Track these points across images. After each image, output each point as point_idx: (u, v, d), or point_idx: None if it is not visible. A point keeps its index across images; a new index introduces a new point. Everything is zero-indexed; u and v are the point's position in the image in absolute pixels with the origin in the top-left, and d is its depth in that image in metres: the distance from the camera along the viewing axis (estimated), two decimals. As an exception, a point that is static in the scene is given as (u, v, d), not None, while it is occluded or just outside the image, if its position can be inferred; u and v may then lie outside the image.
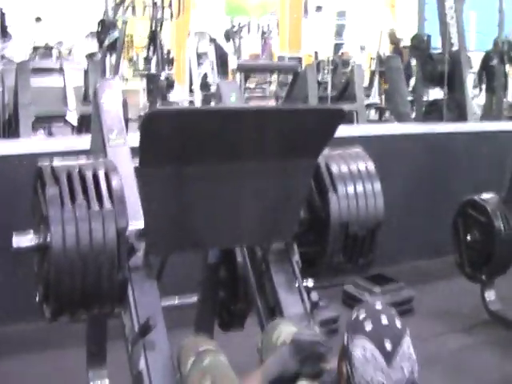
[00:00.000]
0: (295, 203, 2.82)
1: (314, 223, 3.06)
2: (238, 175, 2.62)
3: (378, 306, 1.90)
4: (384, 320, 1.84)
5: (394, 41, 14.04)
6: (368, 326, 1.82)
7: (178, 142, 2.40)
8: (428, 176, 6.34)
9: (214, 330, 3.57)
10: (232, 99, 3.40)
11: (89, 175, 2.56)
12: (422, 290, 5.46)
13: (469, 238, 5.00)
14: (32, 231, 2.60)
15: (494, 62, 10.96)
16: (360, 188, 3.06)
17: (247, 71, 7.84)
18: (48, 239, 2.47)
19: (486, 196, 4.98)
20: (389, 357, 1.77)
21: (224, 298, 3.49)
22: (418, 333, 4.83)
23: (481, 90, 11.90)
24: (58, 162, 2.61)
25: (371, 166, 3.14)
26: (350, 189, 3.03)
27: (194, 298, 3.65)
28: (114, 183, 2.59)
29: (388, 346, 1.78)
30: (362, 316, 1.86)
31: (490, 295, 5.11)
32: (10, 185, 4.48)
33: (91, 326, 3.57)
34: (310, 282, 3.14)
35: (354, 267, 3.15)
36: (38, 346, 4.31)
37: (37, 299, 2.71)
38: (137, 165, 2.63)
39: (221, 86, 3.57)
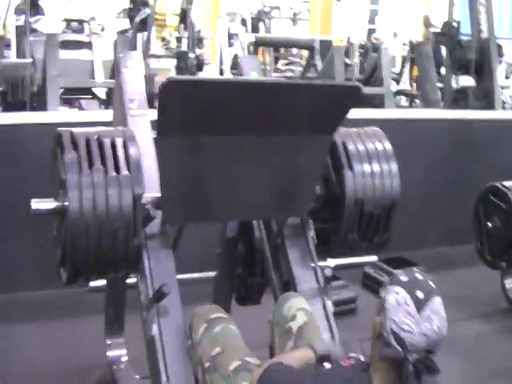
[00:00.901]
0: (311, 179, 2.85)
1: (329, 200, 3.08)
2: (255, 148, 2.64)
3: (416, 269, 2.02)
4: (419, 276, 1.94)
5: (429, 26, 13.95)
6: (403, 278, 1.93)
7: (195, 111, 2.43)
8: (452, 162, 6.35)
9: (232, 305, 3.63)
10: (253, 74, 3.42)
11: (107, 142, 2.61)
12: (443, 275, 5.33)
13: (490, 224, 5.02)
14: (51, 198, 2.67)
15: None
16: (376, 167, 3.07)
17: (264, 45, 7.89)
18: (66, 203, 2.53)
19: (508, 183, 4.98)
20: (419, 304, 1.86)
21: (241, 273, 3.54)
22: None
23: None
24: (77, 129, 2.66)
25: (388, 145, 3.14)
26: (366, 167, 3.05)
27: (212, 274, 3.70)
28: (132, 151, 2.63)
29: (420, 294, 1.87)
30: (399, 273, 1.97)
31: (510, 283, 5.12)
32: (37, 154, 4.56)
33: (110, 296, 3.64)
34: (329, 262, 3.19)
35: (369, 246, 3.17)
36: (58, 314, 4.42)
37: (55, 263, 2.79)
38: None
39: (242, 60, 3.63)
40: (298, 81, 3.19)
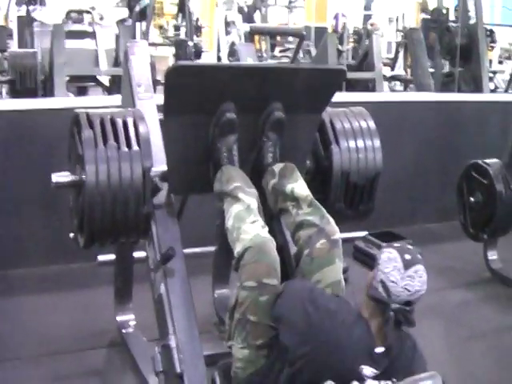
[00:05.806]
0: (302, 153, 3.17)
1: (318, 172, 3.38)
2: (251, 126, 2.95)
3: (407, 243, 2.38)
4: (409, 246, 2.35)
5: (426, 11, 14.10)
6: (396, 244, 2.34)
7: (198, 92, 2.74)
8: (441, 142, 6.55)
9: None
10: (249, 60, 3.72)
11: (119, 121, 2.91)
12: (430, 248, 5.51)
13: (472, 199, 5.21)
14: (68, 172, 2.96)
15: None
16: (360, 142, 3.38)
17: (258, 33, 8.26)
18: (83, 176, 2.82)
19: (488, 160, 5.19)
20: (407, 264, 2.23)
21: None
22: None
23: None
24: (92, 110, 2.96)
25: (372, 123, 3.45)
26: (351, 143, 3.36)
27: (212, 248, 3.98)
28: (141, 128, 2.93)
29: (408, 257, 2.24)
30: (393, 242, 2.40)
31: (492, 254, 5.34)
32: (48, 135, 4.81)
33: (119, 268, 3.90)
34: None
35: (355, 213, 3.45)
36: (69, 286, 4.63)
37: (70, 234, 3.08)
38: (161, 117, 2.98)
39: (239, 48, 3.91)
40: (289, 65, 3.46)
